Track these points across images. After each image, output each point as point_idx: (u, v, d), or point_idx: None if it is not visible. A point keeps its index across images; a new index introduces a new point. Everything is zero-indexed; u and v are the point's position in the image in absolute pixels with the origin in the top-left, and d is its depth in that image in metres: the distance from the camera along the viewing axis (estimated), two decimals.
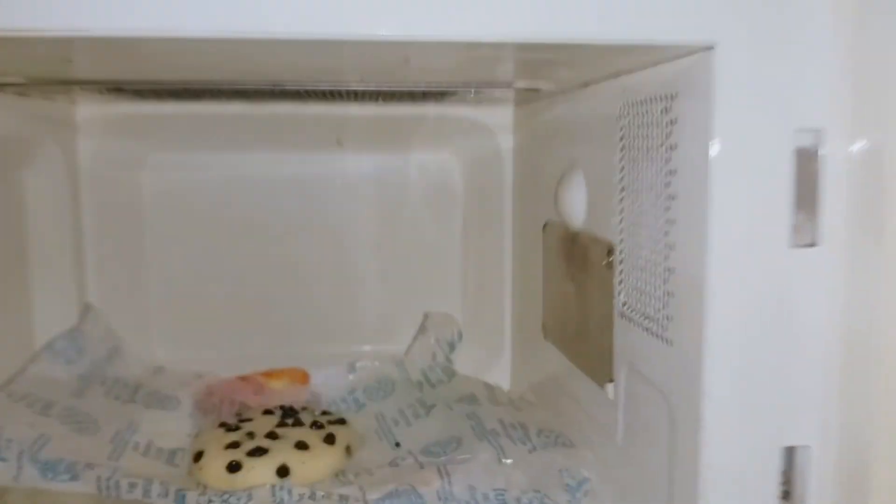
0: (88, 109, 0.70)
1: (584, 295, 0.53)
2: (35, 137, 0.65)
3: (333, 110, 0.72)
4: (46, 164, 0.65)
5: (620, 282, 0.47)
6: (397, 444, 0.56)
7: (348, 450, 0.54)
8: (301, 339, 0.74)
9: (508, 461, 0.49)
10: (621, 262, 0.46)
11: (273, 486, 0.45)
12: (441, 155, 0.76)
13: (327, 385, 0.67)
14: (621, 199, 0.46)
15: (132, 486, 0.44)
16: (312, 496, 0.45)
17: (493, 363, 0.73)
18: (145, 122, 0.71)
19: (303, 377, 0.68)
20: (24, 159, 0.64)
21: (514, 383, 0.73)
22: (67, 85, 0.56)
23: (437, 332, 0.68)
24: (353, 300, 0.75)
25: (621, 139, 0.46)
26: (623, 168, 0.46)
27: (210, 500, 0.44)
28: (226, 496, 0.44)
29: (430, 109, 0.73)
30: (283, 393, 0.65)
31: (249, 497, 0.44)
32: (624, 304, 0.46)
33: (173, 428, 0.58)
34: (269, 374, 0.67)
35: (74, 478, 0.43)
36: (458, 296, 0.75)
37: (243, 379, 0.67)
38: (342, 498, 0.44)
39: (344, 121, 0.74)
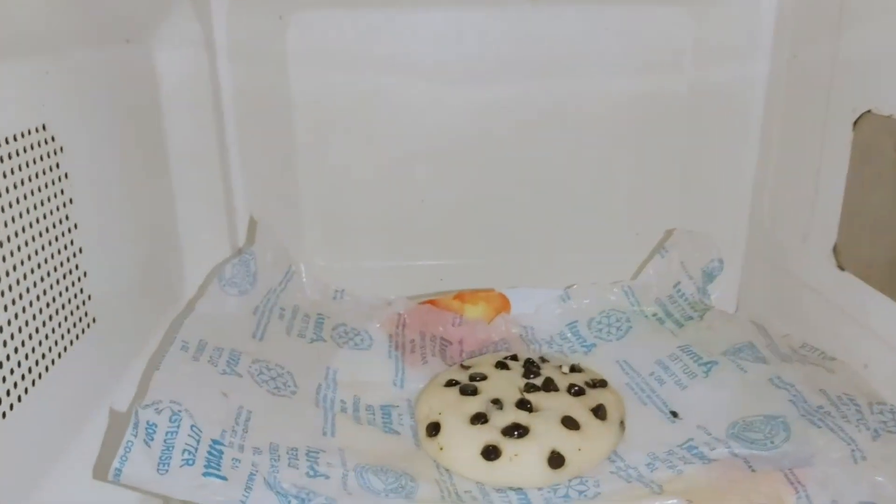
0: None
1: None
2: None
3: None
4: (181, 28, 0.49)
5: None
6: (674, 414, 0.43)
7: (622, 425, 0.42)
8: (485, 251, 0.60)
9: (864, 459, 0.36)
10: None
11: None
12: (669, 10, 0.56)
13: (539, 316, 0.53)
14: None
15: None
16: None
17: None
18: None
19: (503, 302, 0.55)
20: (157, 21, 0.48)
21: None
22: None
23: (686, 255, 0.53)
24: (549, 201, 0.59)
25: None
26: None
27: None
28: None
29: None
30: (488, 327, 0.53)
31: None
32: None
33: (375, 375, 0.46)
34: (461, 298, 0.54)
35: None
36: (674, 197, 0.59)
37: (433, 304, 0.54)
38: None
39: None
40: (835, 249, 0.47)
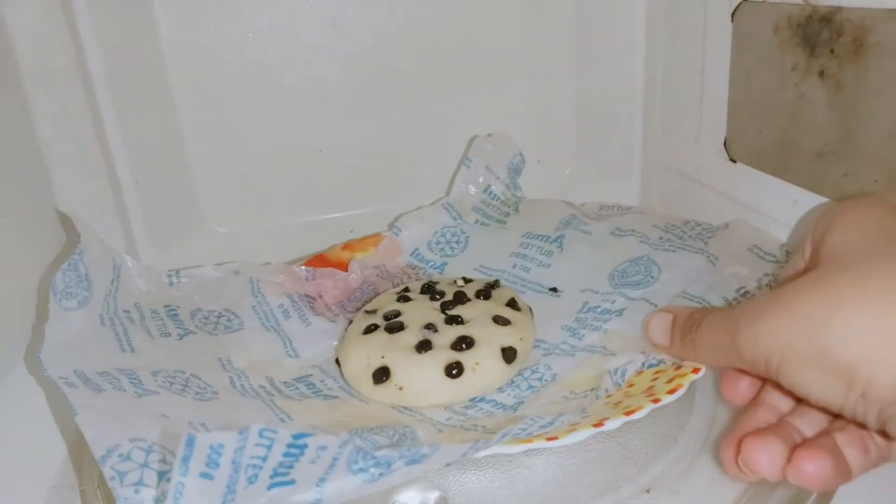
0: None
1: (850, 100, 0.39)
2: None
3: None
4: None
5: None
6: (554, 290, 0.47)
7: (531, 312, 0.44)
8: (394, 196, 0.58)
9: (717, 259, 0.45)
10: None
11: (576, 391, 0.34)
12: None
13: (381, 254, 0.52)
14: None
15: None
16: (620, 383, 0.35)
17: (614, 193, 0.60)
18: None
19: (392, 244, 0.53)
20: None
21: None
22: None
23: (489, 158, 0.56)
24: (451, 139, 0.59)
25: None
26: None
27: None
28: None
29: None
30: (346, 275, 0.49)
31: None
32: None
33: (266, 353, 0.40)
34: (350, 248, 0.52)
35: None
36: (568, 118, 0.60)
37: (322, 258, 0.50)
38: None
39: None
40: (725, 144, 0.50)
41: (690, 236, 0.48)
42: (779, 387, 0.30)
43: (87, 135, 0.47)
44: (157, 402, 0.31)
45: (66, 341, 0.33)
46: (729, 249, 0.46)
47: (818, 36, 0.41)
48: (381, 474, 0.26)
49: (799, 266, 0.32)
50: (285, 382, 0.39)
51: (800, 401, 0.31)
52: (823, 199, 0.42)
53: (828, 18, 0.40)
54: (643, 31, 0.56)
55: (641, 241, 0.48)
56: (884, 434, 0.26)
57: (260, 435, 0.22)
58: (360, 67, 0.55)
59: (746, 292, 0.42)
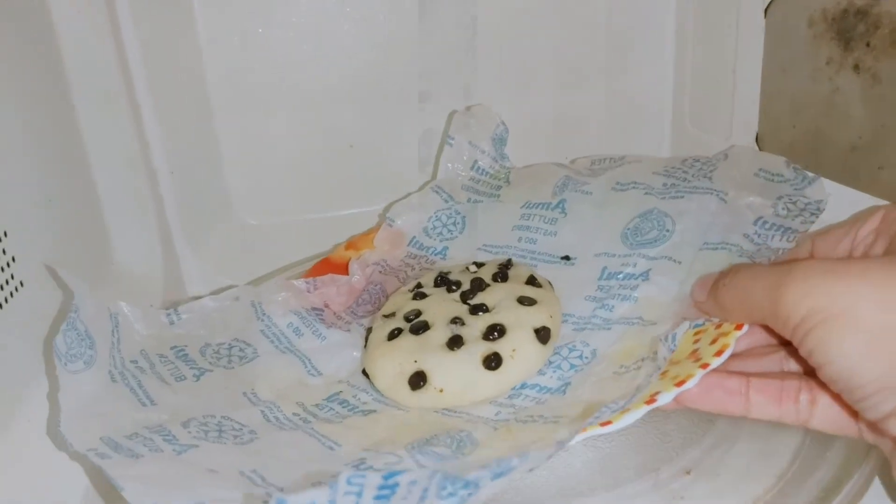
0: None
1: (886, 93, 0.40)
2: None
3: None
4: None
5: None
6: (567, 259, 0.46)
7: (552, 286, 0.43)
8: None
9: (726, 194, 0.44)
10: None
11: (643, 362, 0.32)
12: None
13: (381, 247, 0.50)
14: None
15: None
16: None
17: None
18: None
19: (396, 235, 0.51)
20: None
21: None
22: None
23: (471, 133, 0.54)
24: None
25: None
26: None
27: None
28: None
29: None
30: (349, 279, 0.47)
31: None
32: None
33: (288, 377, 0.38)
34: (353, 246, 0.49)
35: None
36: (598, 114, 0.59)
37: (327, 262, 0.48)
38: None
39: None
40: (757, 139, 0.50)
41: (694, 175, 0.47)
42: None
43: (126, 125, 0.47)
44: (198, 455, 0.28)
45: (83, 407, 0.30)
46: (735, 180, 0.45)
47: (854, 29, 0.41)
48: (469, 494, 0.24)
49: (842, 248, 0.31)
50: (318, 405, 0.36)
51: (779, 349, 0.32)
52: (857, 193, 0.42)
53: (864, 12, 0.40)
54: (674, 29, 0.56)
55: (646, 193, 0.46)
56: (872, 425, 0.26)
57: (349, 483, 0.20)
58: (390, 65, 0.55)
59: (765, 221, 0.41)
